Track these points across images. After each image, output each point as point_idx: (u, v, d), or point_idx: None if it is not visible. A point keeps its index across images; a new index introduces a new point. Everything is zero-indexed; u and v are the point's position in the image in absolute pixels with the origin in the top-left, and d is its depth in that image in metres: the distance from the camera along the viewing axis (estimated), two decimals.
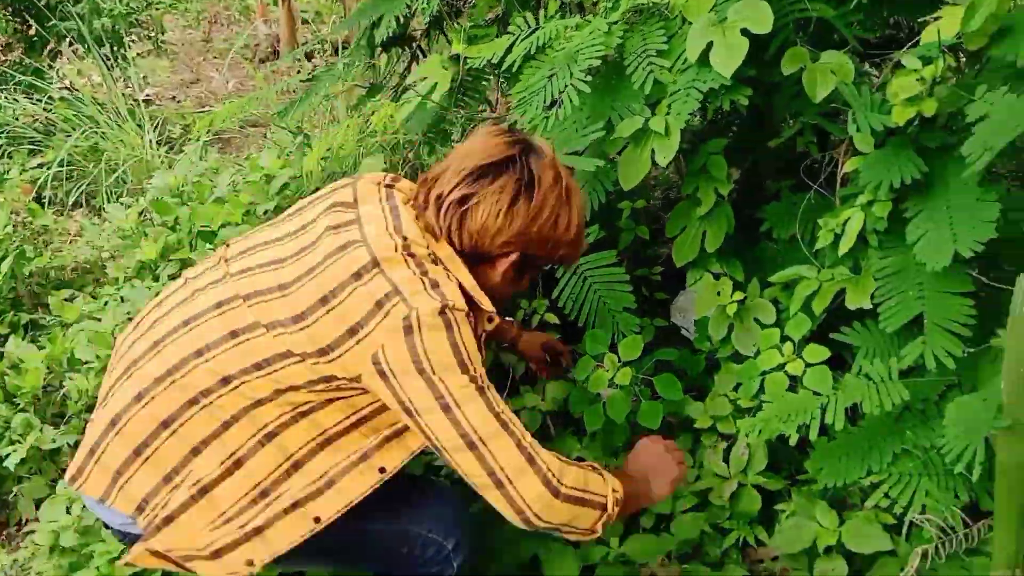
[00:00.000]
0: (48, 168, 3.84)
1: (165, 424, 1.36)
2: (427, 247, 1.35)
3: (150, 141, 4.04)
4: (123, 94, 4.34)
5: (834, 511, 1.71)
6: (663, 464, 1.60)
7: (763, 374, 1.83)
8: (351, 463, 1.40)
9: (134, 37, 5.33)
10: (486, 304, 1.39)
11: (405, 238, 1.34)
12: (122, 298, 2.68)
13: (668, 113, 1.78)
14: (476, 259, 1.39)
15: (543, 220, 1.37)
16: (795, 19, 1.76)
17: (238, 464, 1.36)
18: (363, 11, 2.72)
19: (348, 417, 1.40)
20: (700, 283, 2.04)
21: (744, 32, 1.64)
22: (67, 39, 4.56)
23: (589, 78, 1.75)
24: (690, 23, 1.74)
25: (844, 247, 1.70)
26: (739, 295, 1.95)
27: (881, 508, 1.63)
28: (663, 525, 1.91)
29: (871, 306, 1.67)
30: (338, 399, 1.38)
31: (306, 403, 1.36)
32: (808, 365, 1.78)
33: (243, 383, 1.34)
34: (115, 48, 4.63)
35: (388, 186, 1.46)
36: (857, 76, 1.71)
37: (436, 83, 2.31)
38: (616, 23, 1.85)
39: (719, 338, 2.01)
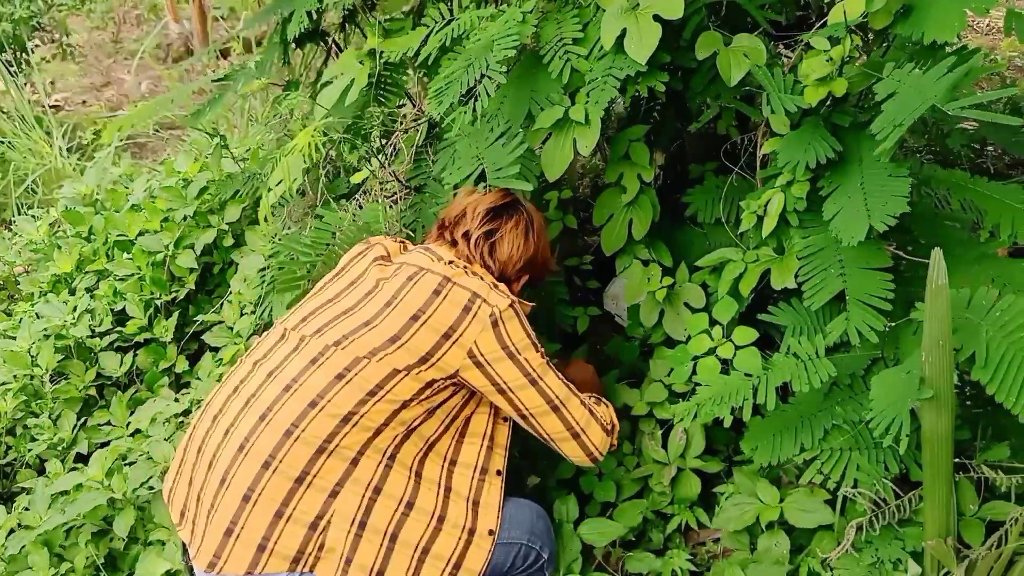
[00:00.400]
0: None
1: (299, 480, 1.47)
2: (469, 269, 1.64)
3: (60, 149, 3.88)
4: (29, 101, 4.16)
5: (774, 487, 1.74)
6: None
7: (695, 358, 1.84)
8: (478, 480, 1.63)
9: (38, 41, 5.11)
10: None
11: (452, 262, 1.63)
12: (37, 314, 2.57)
13: (587, 102, 1.76)
14: (501, 281, 1.68)
15: (541, 248, 1.76)
16: (707, 3, 1.76)
17: (377, 492, 1.51)
18: (274, 6, 2.64)
19: (442, 423, 1.62)
20: (629, 270, 2.05)
21: (657, 18, 1.63)
22: None
23: (505, 68, 1.72)
24: (603, 10, 1.73)
25: (767, 228, 1.71)
26: (668, 280, 1.96)
27: (816, 484, 1.66)
28: (607, 514, 1.91)
29: (796, 285, 1.68)
30: (437, 407, 1.59)
31: (414, 419, 1.56)
32: (738, 347, 1.79)
33: (362, 415, 1.50)
34: (18, 54, 4.43)
35: (402, 242, 1.82)
36: (770, 58, 1.72)
37: (353, 79, 2.25)
38: (530, 12, 1.83)
39: (651, 324, 2.01)
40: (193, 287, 2.65)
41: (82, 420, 2.33)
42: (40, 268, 2.94)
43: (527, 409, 1.61)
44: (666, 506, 1.88)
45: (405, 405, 1.53)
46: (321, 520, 1.47)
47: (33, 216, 3.15)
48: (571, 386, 1.65)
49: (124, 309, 2.57)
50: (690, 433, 1.89)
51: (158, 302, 2.60)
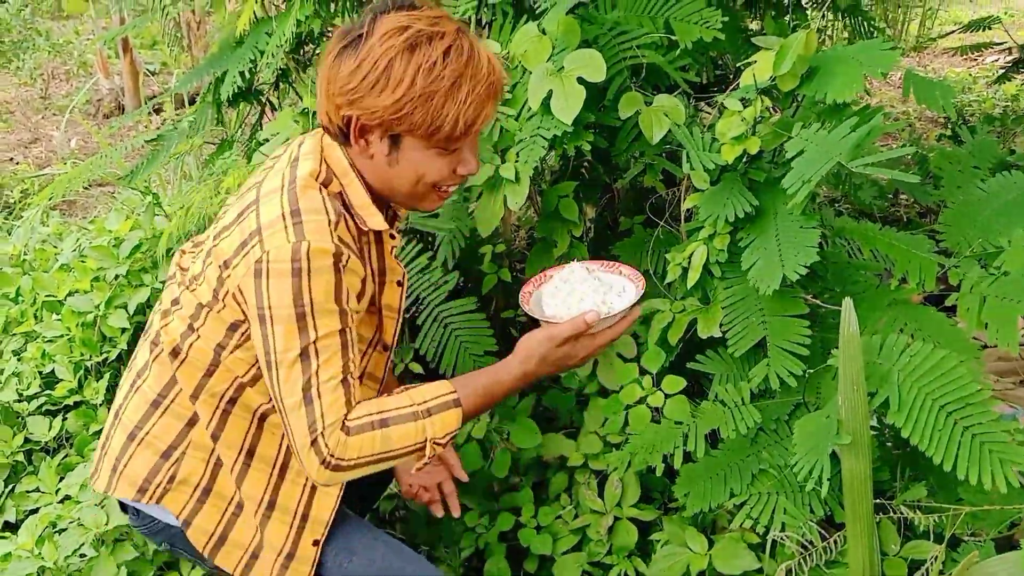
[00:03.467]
0: None
1: (155, 404, 1.47)
2: (324, 166, 1.35)
3: None
4: None
5: (703, 535, 1.77)
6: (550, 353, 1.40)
7: (627, 408, 1.88)
8: None
9: None
10: (371, 221, 1.38)
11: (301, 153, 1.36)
12: None
13: (517, 160, 1.81)
14: (344, 137, 1.33)
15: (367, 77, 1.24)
16: (629, 65, 1.84)
17: (215, 439, 1.46)
18: (207, 66, 2.66)
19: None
20: None
21: (581, 80, 1.70)
22: None
23: None
24: (530, 72, 1.79)
25: (692, 279, 1.77)
26: None
27: (747, 528, 1.70)
28: (544, 571, 1.92)
29: (721, 334, 1.74)
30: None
31: (242, 369, 1.42)
32: (668, 396, 1.84)
33: (186, 355, 1.43)
34: None
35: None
36: (690, 117, 1.80)
37: (288, 137, 2.27)
38: None
39: (585, 375, 2.05)
40: (125, 347, 2.60)
41: (10, 487, 2.26)
42: None
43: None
44: (604, 556, 1.89)
45: (221, 348, 1.39)
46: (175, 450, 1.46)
47: None
48: (313, 390, 1.26)
49: (53, 371, 2.51)
50: (625, 482, 1.92)
51: (88, 364, 2.54)
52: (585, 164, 2.33)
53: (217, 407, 1.44)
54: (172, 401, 1.46)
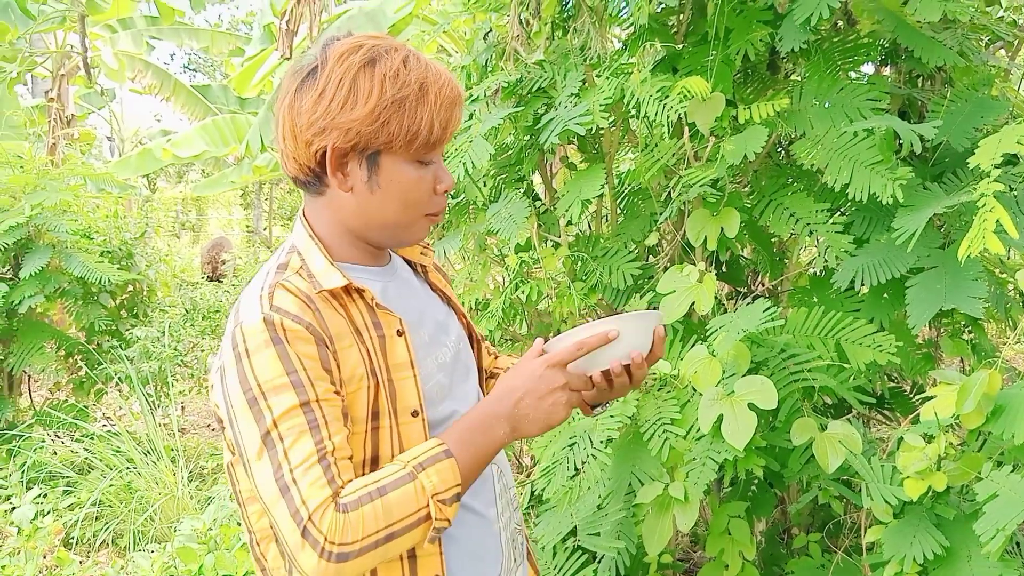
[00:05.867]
0: (80, 508, 3.91)
1: None
2: (286, 256, 1.24)
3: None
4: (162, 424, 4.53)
5: None
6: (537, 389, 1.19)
7: None
8: None
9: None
10: (326, 281, 1.20)
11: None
12: None
13: (686, 480, 1.83)
14: (314, 184, 1.23)
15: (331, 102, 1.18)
16: (800, 388, 1.86)
17: None
18: None
19: None
20: None
21: (751, 406, 1.74)
22: (115, 380, 4.85)
23: (608, 449, 1.82)
24: (700, 393, 1.85)
25: None
26: None
27: None
28: None
29: None
30: None
31: None
32: None
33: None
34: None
35: None
36: (867, 443, 1.77)
37: None
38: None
39: None
40: None
41: None
42: None
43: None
44: None
45: None
46: None
47: (149, 552, 3.28)
48: (286, 477, 1.08)
49: None
50: None
51: None
52: (756, 479, 2.30)
53: None
54: None
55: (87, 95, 10.76)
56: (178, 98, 9.24)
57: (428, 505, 1.11)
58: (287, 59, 4.25)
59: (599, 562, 2.18)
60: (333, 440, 1.10)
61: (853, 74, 2.18)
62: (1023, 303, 2.24)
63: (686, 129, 2.09)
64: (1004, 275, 2.33)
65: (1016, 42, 3.00)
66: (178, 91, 9.21)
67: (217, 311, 6.70)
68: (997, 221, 1.49)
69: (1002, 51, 3.08)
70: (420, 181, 1.22)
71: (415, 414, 1.23)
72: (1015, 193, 1.98)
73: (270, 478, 1.08)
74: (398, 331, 1.24)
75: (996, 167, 1.59)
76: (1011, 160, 2.00)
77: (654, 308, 1.19)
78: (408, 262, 1.39)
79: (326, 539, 1.04)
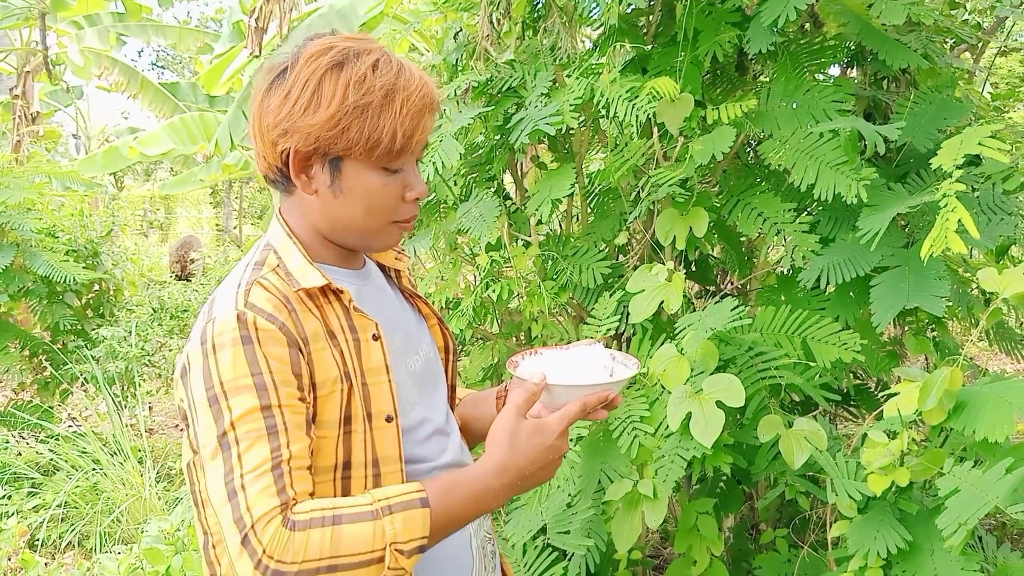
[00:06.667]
0: (46, 509, 3.86)
1: None
2: (263, 254, 1.22)
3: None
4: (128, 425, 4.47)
5: None
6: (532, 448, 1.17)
7: None
8: None
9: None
10: (304, 280, 1.18)
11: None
12: None
13: (655, 477, 1.84)
14: (283, 183, 1.22)
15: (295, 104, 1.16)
16: (767, 385, 1.88)
17: None
18: None
19: None
20: None
21: (720, 403, 1.75)
22: (80, 380, 4.78)
23: (578, 447, 1.83)
24: (668, 391, 1.87)
25: None
26: None
27: None
28: None
29: None
30: None
31: None
32: None
33: None
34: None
35: None
36: (832, 440, 1.80)
37: None
38: None
39: None
40: None
41: None
42: None
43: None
44: None
45: None
46: None
47: (115, 553, 3.24)
48: (236, 481, 1.05)
49: None
50: None
51: None
52: (724, 478, 2.32)
53: None
54: None
55: (53, 92, 10.59)
56: (146, 95, 9.12)
57: (384, 550, 1.04)
58: (256, 57, 4.21)
59: (569, 560, 2.18)
60: (291, 448, 1.06)
61: (819, 76, 2.21)
62: (985, 301, 2.28)
63: (655, 129, 2.10)
64: (967, 274, 2.38)
65: (979, 45, 3.06)
66: (146, 88, 9.09)
67: (185, 310, 6.61)
68: (959, 221, 1.52)
69: (966, 53, 3.14)
70: (385, 188, 1.19)
71: (389, 419, 1.20)
72: (977, 193, 2.02)
73: (220, 481, 1.05)
74: (374, 335, 1.21)
75: (958, 168, 1.61)
76: (973, 161, 2.04)
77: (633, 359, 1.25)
78: (381, 267, 1.38)
79: (264, 552, 1.00)
